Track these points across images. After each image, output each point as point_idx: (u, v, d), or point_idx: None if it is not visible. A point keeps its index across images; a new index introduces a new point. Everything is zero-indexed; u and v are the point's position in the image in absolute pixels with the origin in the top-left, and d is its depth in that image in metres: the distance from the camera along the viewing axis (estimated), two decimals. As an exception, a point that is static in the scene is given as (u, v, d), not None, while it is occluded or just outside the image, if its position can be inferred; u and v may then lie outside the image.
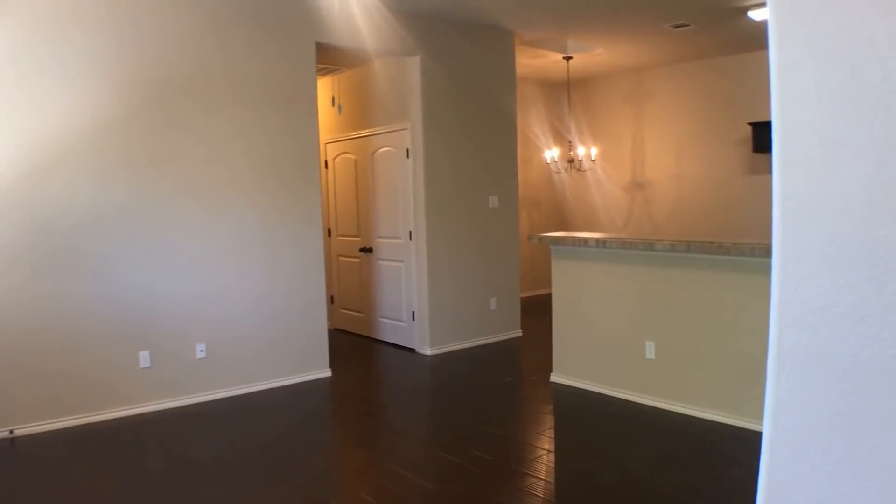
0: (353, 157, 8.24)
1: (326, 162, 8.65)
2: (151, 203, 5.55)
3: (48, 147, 5.11)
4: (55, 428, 5.20)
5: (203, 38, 5.74)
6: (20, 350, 5.08)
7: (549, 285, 6.05)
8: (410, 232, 7.34)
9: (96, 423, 5.34)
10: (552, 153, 10.23)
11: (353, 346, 8.00)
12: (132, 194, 5.47)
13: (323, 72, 7.92)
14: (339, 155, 8.50)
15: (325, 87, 8.43)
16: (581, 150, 10.00)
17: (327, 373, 6.52)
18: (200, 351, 5.80)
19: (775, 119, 1.17)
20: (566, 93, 10.30)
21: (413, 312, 7.44)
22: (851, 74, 1.07)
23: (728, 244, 4.58)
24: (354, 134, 8.16)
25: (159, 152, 5.57)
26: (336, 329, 8.63)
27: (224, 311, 5.94)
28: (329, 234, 8.65)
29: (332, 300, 8.59)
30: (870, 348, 1.09)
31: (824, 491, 1.17)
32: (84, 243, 5.29)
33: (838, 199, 1.10)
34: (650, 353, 5.23)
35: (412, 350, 7.47)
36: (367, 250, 8.08)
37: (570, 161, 9.92)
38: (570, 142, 10.14)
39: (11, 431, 5.07)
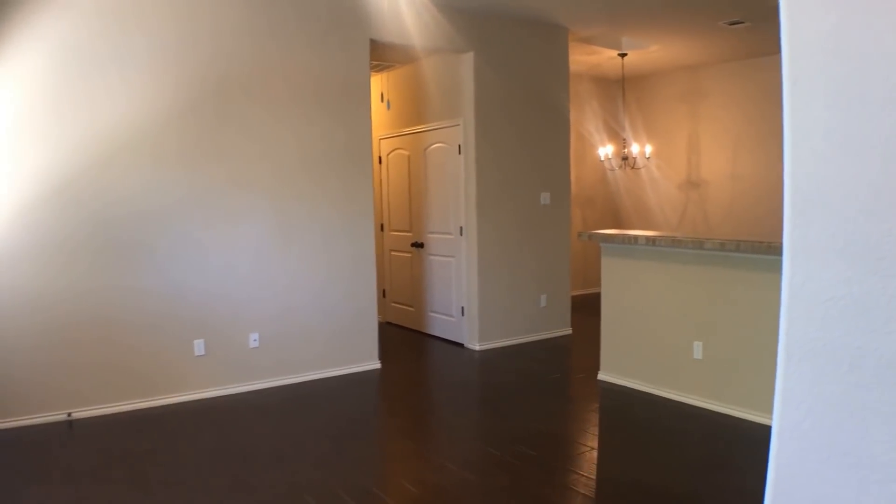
0: (406, 153, 8.31)
1: (380, 158, 8.74)
2: (206, 196, 5.70)
3: (107, 141, 5.28)
4: (111, 412, 5.38)
5: (258, 36, 5.86)
6: (79, 337, 5.27)
7: (601, 284, 6.03)
8: (461, 228, 7.38)
9: (151, 408, 5.50)
10: (606, 150, 10.17)
11: (403, 339, 8.08)
12: (188, 188, 5.62)
13: (376, 69, 8.01)
14: (392, 151, 8.58)
15: (377, 84, 8.51)
16: (635, 148, 9.92)
17: (377, 365, 6.61)
18: (254, 340, 5.94)
19: (786, 115, 1.18)
20: (620, 90, 10.24)
21: (462, 308, 7.49)
22: (859, 71, 1.09)
23: (778, 244, 4.51)
24: (408, 130, 8.23)
25: (215, 147, 5.71)
26: (387, 322, 8.73)
27: (277, 302, 6.06)
28: (382, 229, 8.74)
29: (383, 294, 8.67)
30: (875, 341, 1.10)
31: (831, 482, 1.19)
32: (142, 234, 5.45)
33: (845, 193, 1.12)
34: (698, 353, 5.19)
35: (461, 345, 7.51)
36: (419, 245, 8.15)
37: (625, 158, 9.86)
38: (624, 139, 10.07)
39: (69, 414, 5.25)
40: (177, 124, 5.54)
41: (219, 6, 5.68)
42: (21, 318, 5.08)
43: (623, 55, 8.95)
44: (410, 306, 8.45)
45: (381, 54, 7.21)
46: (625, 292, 5.76)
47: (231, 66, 5.74)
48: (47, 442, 4.83)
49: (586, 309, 8.52)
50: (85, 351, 5.29)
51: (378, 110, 8.39)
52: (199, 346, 5.70)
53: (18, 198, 5.03)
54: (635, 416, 5.20)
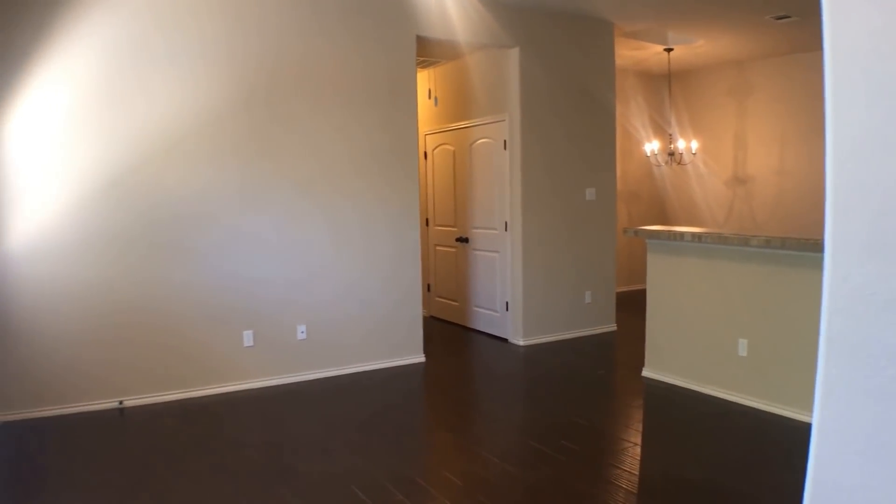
0: (451, 148, 8.36)
1: (426, 153, 8.80)
2: (256, 191, 5.81)
3: (159, 137, 5.42)
4: (161, 401, 5.52)
5: (306, 33, 5.96)
6: (132, 326, 5.42)
7: (646, 281, 6.01)
8: (506, 223, 7.41)
9: (200, 397, 5.63)
10: (652, 146, 10.11)
11: (448, 333, 8.13)
12: (238, 183, 5.73)
13: (422, 65, 8.06)
14: (438, 146, 8.63)
15: (423, 80, 8.57)
16: (681, 144, 9.85)
17: (421, 358, 6.68)
18: (301, 332, 6.04)
19: (828, 114, 1.21)
20: (667, 85, 10.17)
21: (507, 303, 7.52)
22: (900, 71, 1.11)
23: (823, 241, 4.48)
24: (453, 126, 8.28)
25: (264, 143, 5.82)
26: (431, 317, 8.79)
27: (324, 296, 6.16)
28: (427, 224, 8.80)
29: (428, 288, 8.73)
30: (914, 336, 1.12)
31: (869, 474, 1.21)
32: (193, 228, 5.58)
33: (885, 190, 1.14)
34: (743, 350, 5.16)
35: (505, 340, 7.54)
36: (464, 240, 8.20)
37: (671, 154, 9.79)
38: (670, 135, 10.00)
39: (121, 402, 5.40)
40: (226, 120, 5.66)
41: (267, 3, 5.77)
42: (75, 308, 5.24)
43: (669, 50, 8.89)
44: (454, 301, 8.50)
45: (427, 50, 7.26)
46: (670, 289, 5.75)
47: (280, 63, 5.84)
48: (100, 429, 4.98)
49: (631, 306, 8.49)
50: (137, 341, 5.43)
51: (424, 106, 8.44)
52: (248, 337, 5.81)
53: (73, 192, 5.18)
54: (679, 413, 5.19)
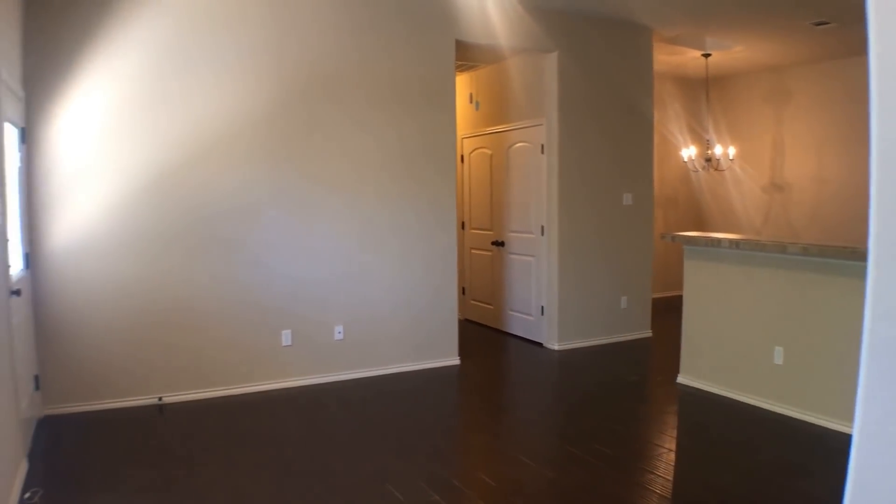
0: (488, 151, 8.38)
1: (462, 156, 8.83)
2: (296, 193, 5.88)
3: (201, 138, 5.52)
4: (200, 398, 5.60)
5: (346, 37, 6.03)
6: (173, 324, 5.51)
7: (682, 287, 5.98)
8: (543, 227, 7.42)
9: (238, 395, 5.71)
10: (689, 151, 10.05)
11: (482, 336, 8.15)
12: (277, 184, 5.81)
13: (461, 68, 8.09)
14: (474, 150, 8.66)
15: (463, 84, 8.60)
16: (718, 149, 9.78)
17: (456, 361, 6.71)
18: (338, 333, 6.10)
19: (873, 120, 1.21)
20: (704, 90, 10.10)
21: (542, 307, 7.52)
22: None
23: (862, 249, 4.42)
24: (490, 129, 8.30)
25: (303, 146, 5.90)
26: (466, 320, 8.81)
27: (361, 297, 6.22)
28: (462, 227, 8.82)
29: (462, 291, 8.76)
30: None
31: (911, 479, 1.21)
32: (233, 228, 5.67)
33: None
34: (778, 358, 5.12)
35: (540, 344, 7.55)
36: (500, 244, 8.22)
37: (708, 160, 9.73)
38: (707, 140, 9.93)
39: (160, 399, 5.49)
40: (266, 122, 5.74)
41: (306, 10, 5.86)
42: (117, 306, 5.34)
43: (707, 55, 8.84)
44: (489, 304, 8.52)
45: (466, 54, 7.29)
46: (707, 295, 5.72)
47: (318, 67, 5.92)
48: (140, 425, 5.07)
49: (666, 312, 8.45)
50: (177, 338, 5.53)
51: (461, 109, 8.47)
52: (286, 337, 5.88)
53: (116, 191, 5.29)
54: (713, 420, 5.17)
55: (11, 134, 4.53)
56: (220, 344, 5.68)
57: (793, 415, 5.01)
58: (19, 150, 4.87)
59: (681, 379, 5.98)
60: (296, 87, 5.84)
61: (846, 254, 4.53)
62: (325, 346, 6.09)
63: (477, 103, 8.42)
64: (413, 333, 6.49)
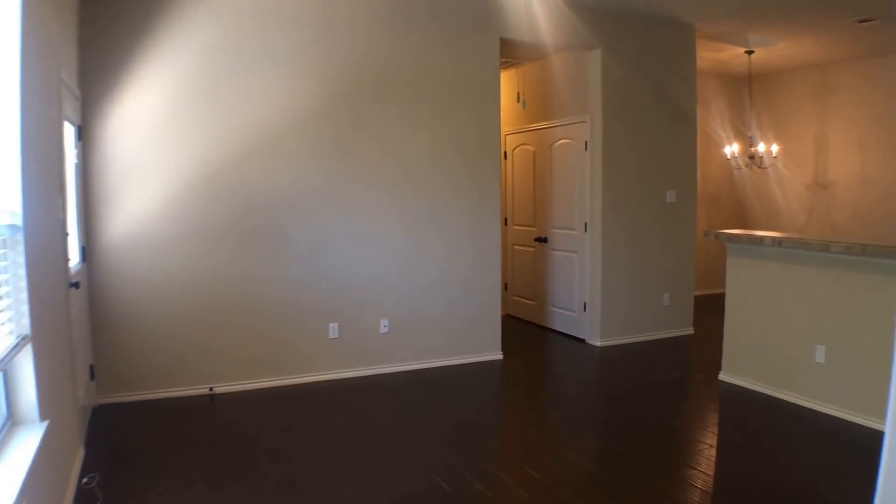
0: (531, 148, 8.44)
1: (506, 153, 8.89)
2: (344, 190, 6.02)
3: (253, 135, 5.68)
4: (249, 388, 5.77)
5: (392, 35, 6.15)
6: (224, 316, 5.68)
7: (724, 285, 5.99)
8: (586, 223, 7.47)
9: (286, 386, 5.88)
10: (732, 148, 10.01)
11: (524, 332, 8.23)
12: (327, 180, 5.95)
13: (504, 65, 8.15)
14: (518, 146, 8.73)
15: (510, 81, 8.67)
16: (761, 147, 9.72)
17: (499, 356, 6.79)
18: (384, 326, 6.22)
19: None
20: (747, 87, 10.05)
21: (585, 303, 7.57)
22: None
23: (906, 249, 4.45)
24: (533, 126, 8.36)
25: (351, 143, 6.03)
26: (508, 315, 8.87)
27: (407, 292, 6.34)
28: (505, 223, 8.89)
29: (505, 287, 8.83)
30: None
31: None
32: (283, 223, 5.82)
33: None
34: (820, 356, 5.13)
35: (582, 340, 7.60)
36: (542, 240, 8.28)
37: (751, 157, 9.68)
38: (750, 138, 9.88)
39: (211, 389, 5.66)
40: (316, 120, 5.88)
41: (354, 8, 5.98)
42: (169, 298, 5.52)
43: (750, 52, 8.81)
44: (532, 300, 8.59)
45: (510, 52, 7.36)
46: (749, 293, 5.74)
47: (366, 64, 6.04)
48: (192, 414, 5.25)
49: (708, 309, 8.45)
50: (228, 330, 5.70)
51: (504, 106, 8.52)
52: (333, 330, 6.02)
53: (169, 186, 5.46)
54: (755, 417, 5.20)
55: (69, 132, 4.70)
56: (270, 336, 5.83)
57: (834, 413, 5.03)
58: (76, 147, 5.04)
59: (722, 376, 6.00)
60: (344, 85, 5.97)
61: (889, 253, 4.54)
62: (370, 339, 6.22)
63: (523, 102, 8.46)
64: (456, 328, 6.60)
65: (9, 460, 2.62)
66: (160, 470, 4.19)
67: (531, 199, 8.49)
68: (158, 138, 5.40)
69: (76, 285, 4.45)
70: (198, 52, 5.47)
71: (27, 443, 2.81)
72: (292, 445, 4.59)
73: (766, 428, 4.96)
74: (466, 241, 6.58)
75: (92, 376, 5.25)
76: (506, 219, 8.89)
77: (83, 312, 5.01)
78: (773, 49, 8.71)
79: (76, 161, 5.01)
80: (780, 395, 5.46)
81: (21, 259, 2.94)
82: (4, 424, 2.90)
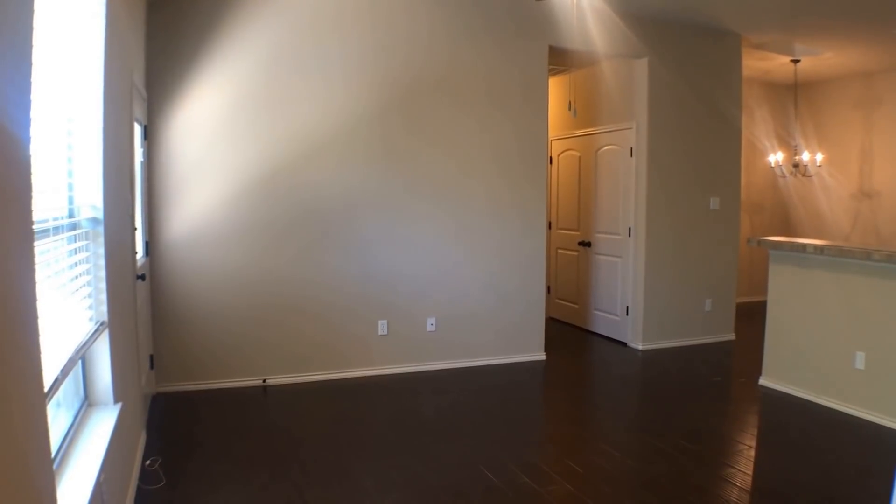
0: (577, 153, 8.55)
1: (551, 158, 9.00)
2: (395, 191, 6.22)
3: (310, 137, 5.90)
4: (301, 381, 5.99)
5: (449, 43, 6.34)
6: (278, 311, 5.92)
7: (766, 293, 6.04)
8: (630, 229, 7.57)
9: (336, 380, 6.08)
10: (776, 157, 10.02)
11: (567, 334, 8.34)
12: (378, 183, 6.15)
13: (552, 72, 8.25)
14: (563, 151, 8.84)
15: (559, 88, 8.79)
16: (806, 155, 9.72)
17: (542, 356, 6.93)
18: (431, 324, 6.40)
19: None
20: (792, 96, 10.04)
21: (627, 307, 7.67)
22: None
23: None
24: (579, 132, 8.47)
25: (404, 146, 6.23)
26: (551, 318, 8.97)
27: (454, 291, 6.52)
28: (549, 227, 8.99)
29: (548, 290, 8.93)
30: None
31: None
32: (337, 223, 6.03)
33: None
34: (860, 363, 5.19)
35: (624, 344, 7.70)
36: (586, 244, 8.38)
37: (796, 165, 9.68)
38: (794, 146, 9.88)
39: (264, 381, 5.88)
40: (370, 125, 6.08)
41: (413, 15, 6.17)
42: (226, 292, 5.76)
43: (796, 61, 8.83)
44: (575, 303, 8.69)
45: (558, 59, 7.47)
46: (791, 299, 5.80)
47: (421, 71, 6.24)
48: (245, 404, 5.48)
49: (749, 316, 8.50)
50: (282, 324, 5.93)
51: (551, 112, 8.63)
52: (382, 326, 6.22)
53: (231, 185, 5.70)
54: (794, 421, 5.26)
55: (137, 131, 4.93)
56: (322, 331, 6.04)
57: (873, 419, 5.08)
58: (142, 146, 5.28)
59: (763, 381, 6.06)
60: (398, 92, 6.17)
61: (931, 262, 4.59)
62: (418, 336, 6.40)
63: (574, 110, 8.54)
64: (501, 328, 6.75)
65: (90, 438, 2.82)
66: (218, 455, 4.40)
67: (576, 204, 8.60)
68: (219, 139, 5.64)
69: (142, 277, 4.68)
70: (258, 58, 5.70)
71: (104, 423, 3.01)
72: (343, 435, 4.78)
73: (805, 431, 5.02)
74: (512, 244, 6.72)
75: (152, 365, 5.49)
76: (550, 223, 9.00)
77: (146, 304, 5.25)
78: (819, 58, 8.73)
79: (142, 159, 5.25)
80: (820, 401, 5.52)
81: (101, 250, 3.15)
82: (82, 405, 3.11)
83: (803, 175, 9.91)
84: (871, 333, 5.12)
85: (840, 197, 10.13)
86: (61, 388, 2.55)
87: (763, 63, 9.04)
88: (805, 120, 10.41)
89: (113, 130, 3.46)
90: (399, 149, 6.20)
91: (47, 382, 1.97)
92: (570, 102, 8.61)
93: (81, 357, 2.91)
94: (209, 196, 5.66)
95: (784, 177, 10.42)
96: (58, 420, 2.75)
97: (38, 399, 1.82)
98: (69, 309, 2.68)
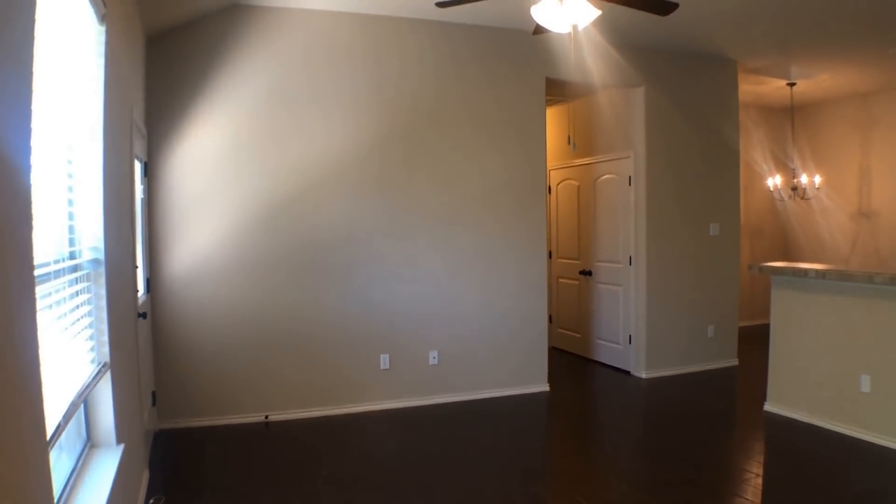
0: (575, 183, 8.56)
1: (550, 187, 9.01)
2: (396, 225, 6.21)
3: (310, 172, 5.93)
4: (303, 417, 5.95)
5: (443, 79, 6.38)
6: (280, 346, 5.89)
7: (768, 316, 6.04)
8: (630, 257, 7.56)
9: (339, 415, 6.03)
10: (774, 180, 10.04)
11: (570, 364, 8.30)
12: (379, 217, 6.15)
13: (549, 103, 8.28)
14: (562, 181, 8.85)
15: (558, 118, 8.81)
16: (804, 178, 9.74)
17: (546, 388, 6.87)
18: (433, 358, 6.36)
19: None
20: (788, 119, 10.07)
21: (630, 336, 7.64)
22: None
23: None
24: (578, 161, 8.49)
25: (403, 180, 6.23)
26: (553, 347, 8.93)
27: (455, 324, 6.48)
28: (550, 257, 8.98)
29: (550, 319, 8.90)
30: None
31: None
32: (339, 258, 6.03)
33: None
34: (865, 386, 5.16)
35: (627, 372, 7.66)
36: (587, 273, 8.37)
37: (794, 189, 9.70)
38: (792, 169, 9.90)
39: (266, 417, 5.84)
40: (369, 159, 6.10)
41: (406, 50, 6.21)
42: (228, 329, 5.74)
43: (792, 85, 8.87)
44: (577, 332, 8.66)
45: (555, 90, 7.49)
46: (794, 324, 5.78)
47: (417, 106, 6.26)
48: (248, 441, 5.43)
49: (752, 341, 8.46)
50: (284, 360, 5.90)
51: (549, 141, 8.64)
52: (384, 361, 6.18)
53: (232, 221, 5.71)
54: (802, 447, 5.22)
55: (137, 168, 4.93)
56: (324, 367, 6.01)
57: (883, 443, 5.04)
58: (142, 183, 5.28)
59: (768, 407, 6.02)
60: (395, 127, 6.19)
61: (934, 284, 4.58)
62: (420, 370, 6.36)
63: (574, 144, 8.54)
64: (504, 360, 6.70)
65: (93, 481, 2.78)
66: (221, 493, 4.36)
67: (575, 233, 8.60)
68: (220, 175, 5.65)
69: (143, 315, 4.65)
70: (257, 94, 5.72)
71: (107, 465, 2.98)
72: (348, 471, 4.73)
73: (812, 457, 4.98)
74: (514, 275, 6.70)
75: (154, 402, 5.45)
76: (550, 252, 8.99)
77: (147, 340, 5.23)
78: (815, 81, 8.77)
79: (142, 196, 5.25)
80: (827, 425, 5.48)
81: (103, 291, 3.14)
82: (85, 447, 3.08)
83: (802, 198, 9.92)
84: (877, 356, 5.10)
85: (839, 219, 10.13)
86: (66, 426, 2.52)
87: (759, 87, 9.08)
88: (802, 142, 10.44)
89: (113, 169, 3.45)
90: (398, 182, 6.21)
91: (49, 429, 1.94)
92: (569, 137, 8.62)
93: (84, 400, 2.88)
94: (210, 232, 5.66)
95: (782, 200, 10.44)
96: (60, 464, 2.71)
97: (40, 448, 1.79)
98: (71, 352, 2.66)
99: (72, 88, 2.94)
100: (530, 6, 3.86)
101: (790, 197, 10.07)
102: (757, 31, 6.69)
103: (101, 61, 3.16)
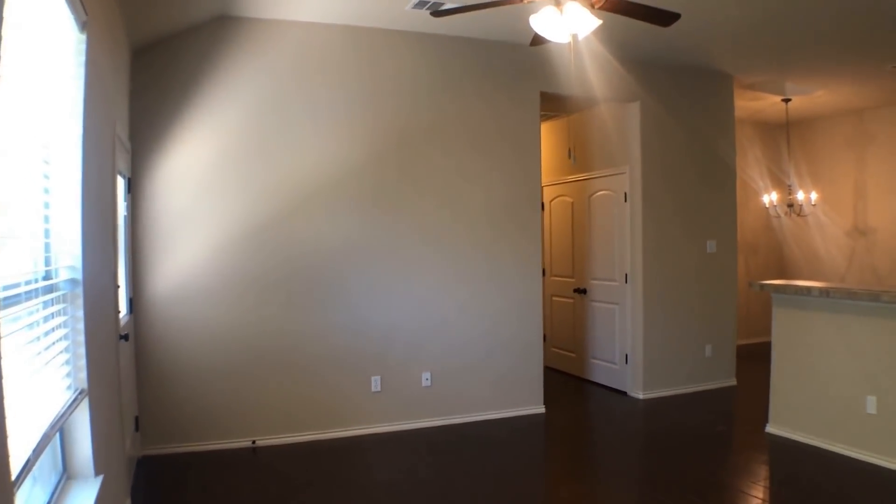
0: (569, 199, 8.44)
1: (543, 204, 8.87)
2: (387, 242, 6.05)
3: (297, 188, 5.78)
4: (292, 441, 5.76)
5: (436, 94, 6.26)
6: (267, 369, 5.70)
7: (766, 333, 5.92)
8: (626, 275, 7.42)
9: (329, 439, 5.85)
10: (770, 197, 9.96)
11: (565, 385, 8.14)
12: (370, 235, 6.00)
13: (543, 118, 8.18)
14: (555, 198, 8.73)
15: (551, 134, 8.70)
16: (800, 195, 9.66)
17: (541, 409, 6.71)
18: (426, 380, 6.19)
19: None
20: (784, 135, 10.02)
21: (626, 355, 7.49)
22: None
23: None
24: (572, 178, 8.37)
25: (395, 196, 6.09)
26: (547, 367, 8.77)
27: (448, 344, 6.31)
28: (543, 274, 8.83)
29: (544, 339, 8.75)
30: None
31: None
32: (328, 277, 5.85)
33: None
34: (871, 407, 5.03)
35: (624, 393, 7.51)
36: (581, 291, 8.23)
37: (790, 205, 9.61)
38: (789, 186, 9.82)
39: (254, 442, 5.65)
40: (359, 176, 5.94)
41: (400, 64, 6.08)
42: (214, 351, 5.56)
43: (787, 100, 8.80)
44: (572, 352, 8.51)
45: (550, 104, 7.40)
46: (796, 344, 5.66)
47: (410, 122, 6.13)
48: (235, 466, 5.26)
49: (750, 359, 8.35)
50: (271, 383, 5.72)
51: (544, 158, 8.54)
52: (375, 383, 6.01)
53: (217, 239, 5.55)
54: (805, 470, 5.09)
55: (120, 184, 4.77)
56: (313, 389, 5.83)
57: (889, 465, 4.92)
58: (125, 200, 5.11)
59: (770, 428, 5.89)
60: (388, 141, 6.05)
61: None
62: (413, 392, 6.18)
63: (574, 158, 8.41)
64: (499, 381, 6.54)
65: (68, 517, 2.61)
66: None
67: (570, 251, 8.47)
68: (206, 192, 5.48)
69: (125, 338, 4.48)
70: (245, 108, 5.58)
71: (84, 498, 2.80)
72: (337, 499, 4.55)
73: (816, 480, 4.85)
74: (508, 295, 6.56)
75: (136, 427, 5.27)
76: (544, 269, 8.84)
77: (130, 363, 5.04)
78: (811, 97, 8.71)
79: (125, 213, 5.08)
80: (831, 447, 5.35)
81: (80, 313, 2.97)
82: (60, 479, 2.90)
83: (798, 215, 9.84)
84: (882, 376, 4.98)
85: (835, 235, 10.05)
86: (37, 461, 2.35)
87: (754, 103, 9.02)
88: (798, 159, 10.38)
89: (94, 185, 3.29)
90: (390, 198, 6.06)
91: (16, 467, 1.77)
92: (569, 150, 8.50)
93: (59, 429, 2.71)
94: (195, 250, 5.49)
95: (779, 216, 10.36)
96: (33, 497, 2.53)
97: (4, 489, 1.62)
98: (44, 380, 2.49)
99: (48, 99, 2.79)
100: (527, 17, 3.74)
101: (786, 213, 9.99)
102: (753, 47, 6.62)
103: (82, 71, 3.01)
